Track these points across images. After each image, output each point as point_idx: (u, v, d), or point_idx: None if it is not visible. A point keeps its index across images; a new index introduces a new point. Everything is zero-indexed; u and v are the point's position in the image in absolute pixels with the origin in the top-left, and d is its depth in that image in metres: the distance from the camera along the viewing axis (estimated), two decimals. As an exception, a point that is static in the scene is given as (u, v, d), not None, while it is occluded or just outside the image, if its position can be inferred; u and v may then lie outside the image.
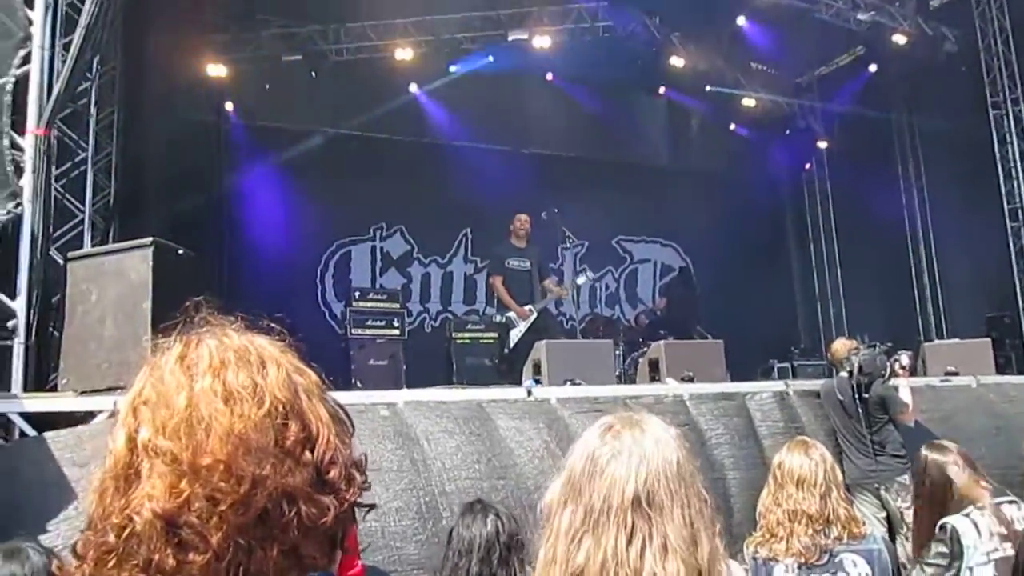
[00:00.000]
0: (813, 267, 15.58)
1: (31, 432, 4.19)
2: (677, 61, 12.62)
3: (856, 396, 5.81)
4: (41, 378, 4.89)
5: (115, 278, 4.79)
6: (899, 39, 12.14)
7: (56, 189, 6.07)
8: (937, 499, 3.08)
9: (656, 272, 14.89)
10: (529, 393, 5.70)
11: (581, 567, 1.43)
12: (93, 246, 7.60)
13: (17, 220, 4.77)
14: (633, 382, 7.88)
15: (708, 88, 13.58)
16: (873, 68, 13.19)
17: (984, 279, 12.52)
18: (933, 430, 5.99)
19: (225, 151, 11.36)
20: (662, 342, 7.34)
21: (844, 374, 6.02)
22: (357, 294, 9.93)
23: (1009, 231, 11.51)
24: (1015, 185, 11.49)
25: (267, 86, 11.48)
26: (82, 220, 7.87)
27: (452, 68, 12.20)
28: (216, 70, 11.03)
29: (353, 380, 8.57)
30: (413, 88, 12.39)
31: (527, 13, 11.81)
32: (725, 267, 13.36)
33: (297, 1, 11.25)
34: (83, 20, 5.26)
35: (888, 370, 5.88)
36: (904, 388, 5.93)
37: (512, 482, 4.91)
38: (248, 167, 11.47)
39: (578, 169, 13.25)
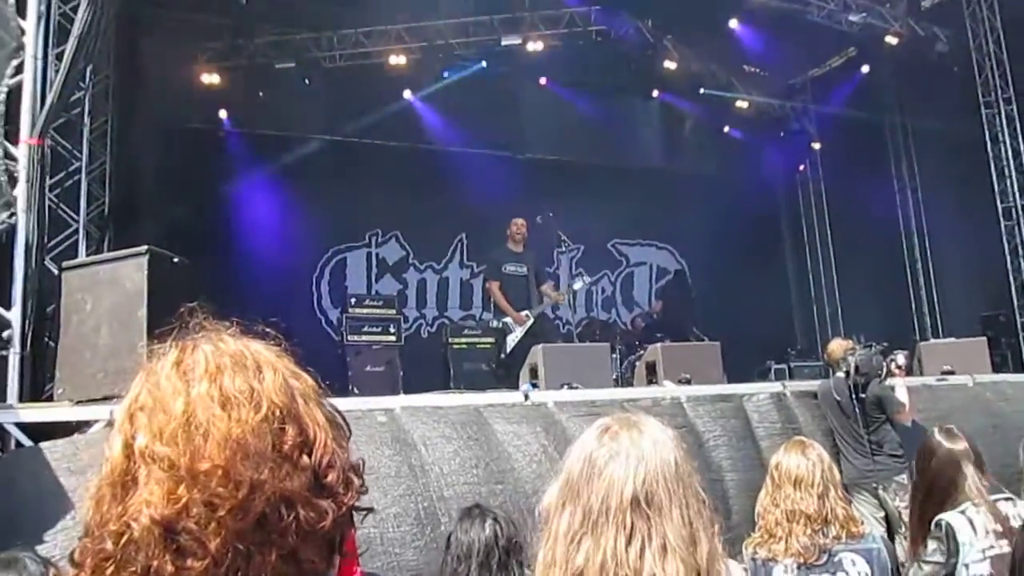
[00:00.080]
0: (808, 268, 15.61)
1: (27, 442, 4.17)
2: (670, 64, 12.65)
3: (853, 396, 5.82)
4: (37, 388, 4.87)
5: (110, 287, 4.77)
6: (891, 40, 12.19)
7: (50, 199, 6.05)
8: (939, 489, 3.06)
9: (652, 275, 14.90)
10: (526, 397, 5.69)
11: (581, 568, 1.43)
12: (88, 255, 7.59)
13: (11, 230, 4.75)
14: (630, 385, 7.88)
15: (702, 91, 13.62)
16: (865, 69, 13.24)
17: (979, 278, 12.57)
18: (930, 429, 5.99)
19: (219, 159, 11.35)
20: (659, 345, 7.33)
21: (841, 374, 6.02)
22: (353, 300, 9.94)
23: (1003, 230, 11.55)
24: (1008, 184, 11.53)
25: (261, 93, 11.46)
26: (76, 229, 7.87)
27: (446, 74, 12.21)
28: (209, 78, 11.02)
29: (350, 386, 8.56)
30: (407, 94, 12.38)
31: (520, 18, 11.82)
32: (721, 269, 13.38)
33: (290, 8, 11.24)
34: (76, 29, 5.25)
35: (884, 370, 5.89)
36: (901, 388, 5.94)
37: (510, 486, 4.90)
38: (242, 174, 11.45)
39: (573, 173, 13.25)
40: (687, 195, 13.77)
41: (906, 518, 4.96)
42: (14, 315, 4.67)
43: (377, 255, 12.90)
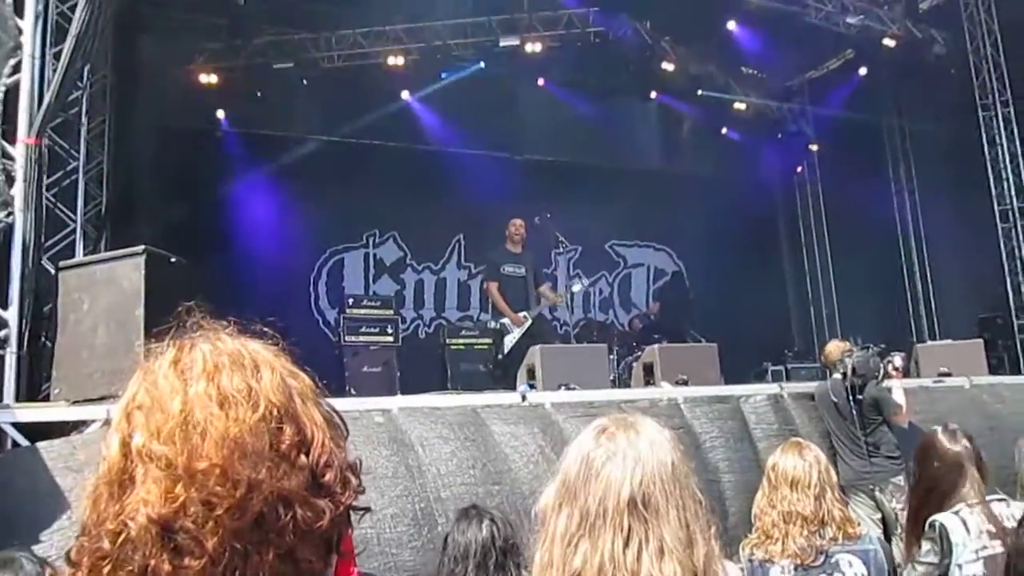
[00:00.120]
0: (806, 270, 15.62)
1: (24, 442, 4.17)
2: (668, 66, 12.66)
3: (850, 398, 5.82)
4: (33, 388, 4.87)
5: (107, 287, 4.77)
6: (888, 42, 12.20)
7: (47, 198, 6.04)
8: (939, 490, 3.06)
9: (649, 276, 14.91)
10: (523, 398, 5.70)
11: (578, 570, 1.43)
12: (85, 255, 7.57)
13: (8, 230, 4.75)
14: (627, 386, 7.89)
15: (699, 92, 13.62)
16: (863, 71, 13.24)
17: (976, 280, 12.59)
18: (927, 431, 6.00)
19: (216, 159, 11.33)
20: (656, 346, 7.33)
21: (838, 376, 6.02)
22: (350, 301, 9.94)
23: (1000, 232, 11.57)
24: (1005, 187, 11.56)
25: (259, 93, 11.45)
26: (74, 229, 7.85)
27: (444, 75, 12.20)
28: (207, 78, 11.01)
29: (347, 387, 8.57)
30: (405, 95, 12.37)
31: (518, 20, 11.82)
32: (718, 271, 13.39)
33: (288, 9, 11.24)
34: (73, 29, 5.25)
35: (881, 372, 5.89)
36: (898, 389, 5.94)
37: (507, 487, 4.90)
38: (240, 175, 11.44)
39: (570, 174, 13.25)
40: (685, 196, 13.78)
41: (903, 520, 4.97)
42: (11, 315, 4.67)
43: (375, 256, 12.90)
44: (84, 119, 8.21)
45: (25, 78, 4.95)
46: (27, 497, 3.83)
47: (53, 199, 7.22)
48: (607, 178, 13.38)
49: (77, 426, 4.31)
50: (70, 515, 3.65)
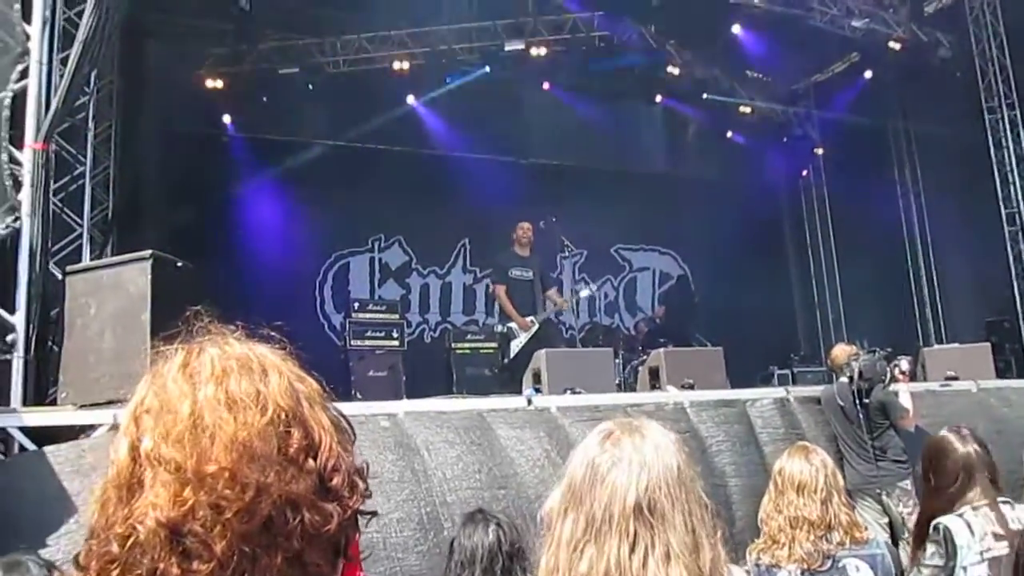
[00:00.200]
0: (812, 273, 15.59)
1: (31, 447, 4.17)
2: (673, 70, 12.67)
3: (856, 402, 5.81)
4: (41, 392, 4.88)
5: (114, 291, 4.78)
6: (894, 45, 12.18)
7: (54, 203, 6.07)
8: (949, 492, 3.04)
9: (655, 280, 14.89)
10: (529, 402, 5.69)
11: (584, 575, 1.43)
12: (92, 260, 7.61)
13: (15, 234, 4.76)
14: (633, 390, 7.87)
15: (705, 96, 13.62)
16: (868, 74, 13.21)
17: (982, 283, 12.55)
18: (934, 435, 5.99)
19: (222, 163, 11.37)
20: (662, 350, 7.33)
21: (844, 380, 6.01)
22: (356, 305, 9.93)
23: (1007, 235, 11.53)
24: (1011, 190, 11.53)
25: (264, 98, 11.49)
26: (80, 234, 7.89)
27: (449, 79, 12.22)
28: (213, 83, 11.05)
29: (353, 391, 8.56)
30: (410, 99, 12.40)
31: (523, 24, 11.85)
32: (723, 274, 13.36)
33: (294, 14, 11.28)
34: (81, 34, 5.27)
35: (888, 375, 5.88)
36: (904, 393, 5.93)
37: (513, 491, 4.90)
38: (246, 179, 11.47)
39: (576, 178, 13.25)
40: (690, 200, 13.77)
41: (910, 524, 4.96)
42: (18, 319, 4.68)
43: (380, 260, 12.91)
44: (91, 124, 8.26)
45: (32, 83, 4.96)
46: (34, 501, 3.84)
47: (60, 204, 7.27)
48: (612, 182, 13.38)
49: (84, 430, 4.31)
50: (77, 519, 3.65)
